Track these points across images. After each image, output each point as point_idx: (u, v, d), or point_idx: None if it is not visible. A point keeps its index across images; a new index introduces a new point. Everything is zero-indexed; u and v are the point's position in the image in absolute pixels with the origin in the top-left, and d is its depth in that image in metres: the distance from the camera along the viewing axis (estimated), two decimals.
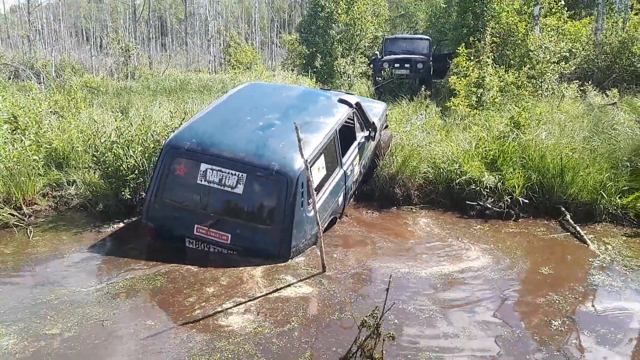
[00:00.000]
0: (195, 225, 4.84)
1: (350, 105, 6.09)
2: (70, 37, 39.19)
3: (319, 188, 5.12)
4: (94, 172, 6.23)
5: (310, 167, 4.88)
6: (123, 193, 5.67)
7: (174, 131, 6.01)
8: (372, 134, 6.65)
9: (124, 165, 5.78)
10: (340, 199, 5.71)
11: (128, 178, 5.76)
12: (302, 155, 4.42)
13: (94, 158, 5.98)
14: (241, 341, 3.51)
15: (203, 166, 4.84)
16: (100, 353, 3.36)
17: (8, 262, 4.78)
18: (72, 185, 6.32)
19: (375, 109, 7.43)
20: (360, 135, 6.38)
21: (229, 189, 4.76)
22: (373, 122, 6.62)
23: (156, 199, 4.99)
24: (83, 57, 24.81)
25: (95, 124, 7.45)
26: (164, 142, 5.91)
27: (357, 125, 6.31)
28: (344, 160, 5.79)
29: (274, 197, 4.72)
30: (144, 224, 5.11)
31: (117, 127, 6.38)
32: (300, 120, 5.32)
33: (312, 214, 4.76)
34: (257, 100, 5.89)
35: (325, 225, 5.34)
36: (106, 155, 5.84)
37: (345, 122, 5.98)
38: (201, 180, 4.83)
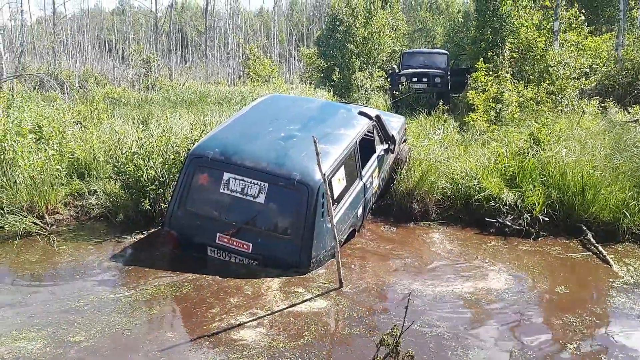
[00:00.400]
0: (217, 234, 4.89)
1: (370, 117, 6.13)
2: (94, 48, 40.13)
3: (339, 199, 5.15)
4: (115, 183, 6.31)
5: (331, 178, 4.94)
6: (143, 204, 5.73)
7: (194, 143, 6.11)
8: (392, 146, 6.66)
9: (144, 176, 5.85)
10: (360, 211, 5.72)
11: (148, 189, 5.83)
12: (320, 169, 4.43)
13: (115, 168, 6.07)
14: (254, 354, 3.51)
15: (226, 175, 4.92)
16: None
17: (35, 269, 4.88)
18: (93, 195, 6.42)
19: (394, 123, 7.44)
20: (380, 148, 6.40)
21: (251, 198, 4.82)
22: (392, 135, 6.64)
23: (179, 207, 5.07)
24: (105, 68, 25.36)
25: (116, 134, 7.58)
26: (185, 152, 6.03)
27: (376, 138, 6.34)
28: (363, 172, 5.81)
29: (295, 207, 4.76)
30: (166, 232, 5.19)
31: (138, 138, 6.47)
32: (320, 131, 5.39)
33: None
34: (278, 111, 5.97)
35: (344, 237, 5.36)
36: (127, 166, 5.92)
37: (365, 134, 6.01)
38: (224, 189, 4.91)
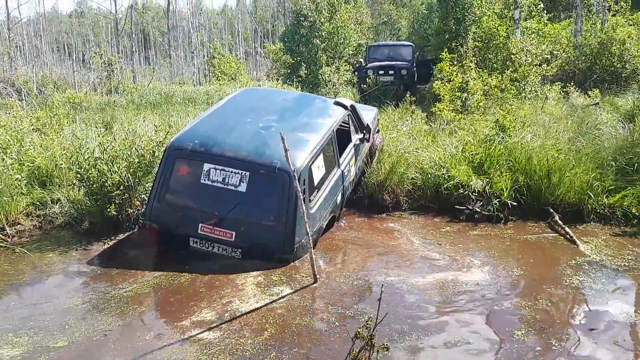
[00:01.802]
0: (200, 224, 4.92)
1: (345, 107, 6.22)
2: (52, 52, 38.78)
3: (318, 186, 5.24)
4: (79, 190, 6.12)
5: (310, 165, 5.04)
6: (108, 210, 5.58)
7: (159, 145, 5.99)
8: (367, 135, 6.74)
9: (108, 182, 5.68)
10: (339, 198, 5.80)
11: (113, 194, 5.66)
12: (289, 164, 4.46)
13: (78, 175, 5.88)
14: (217, 352, 3.49)
15: (206, 166, 4.96)
16: None
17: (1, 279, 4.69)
18: (57, 204, 6.20)
19: (367, 114, 7.51)
20: (356, 137, 6.47)
21: (233, 187, 4.88)
22: (367, 125, 6.72)
23: (159, 200, 5.07)
24: (65, 72, 24.53)
25: (78, 140, 7.33)
26: (149, 155, 5.89)
27: (352, 127, 6.42)
28: (341, 160, 5.89)
29: (277, 194, 4.81)
30: (147, 225, 5.17)
31: (100, 143, 6.28)
32: (298, 121, 5.53)
33: (314, 210, 4.93)
34: (254, 103, 6.05)
35: (325, 223, 5.43)
36: (90, 171, 5.74)
37: (341, 124, 6.08)
38: (205, 180, 4.95)
